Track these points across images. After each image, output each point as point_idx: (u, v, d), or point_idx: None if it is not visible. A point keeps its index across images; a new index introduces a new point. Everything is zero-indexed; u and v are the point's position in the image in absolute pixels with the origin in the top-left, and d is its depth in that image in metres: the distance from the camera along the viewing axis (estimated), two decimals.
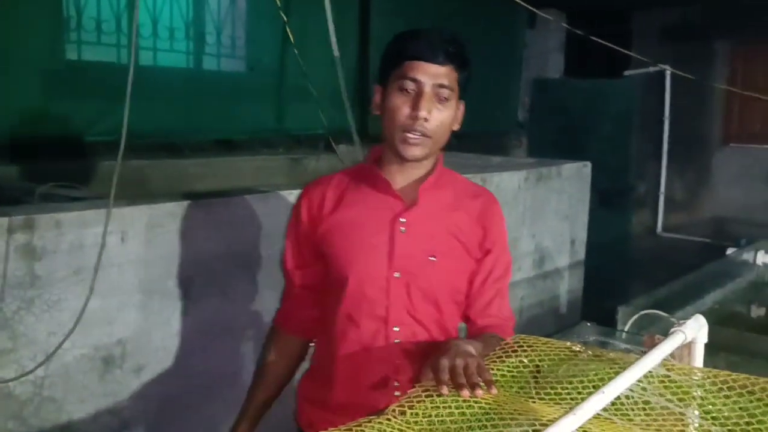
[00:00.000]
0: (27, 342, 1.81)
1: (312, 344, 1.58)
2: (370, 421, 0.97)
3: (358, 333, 1.41)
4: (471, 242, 1.44)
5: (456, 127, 1.44)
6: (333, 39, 3.23)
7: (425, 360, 1.30)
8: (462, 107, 1.45)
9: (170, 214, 2.12)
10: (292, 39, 3.80)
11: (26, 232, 1.78)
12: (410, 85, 1.35)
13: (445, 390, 1.03)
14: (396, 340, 1.40)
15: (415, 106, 1.34)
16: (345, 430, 0.94)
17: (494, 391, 1.04)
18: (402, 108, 1.35)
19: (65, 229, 1.86)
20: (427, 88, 1.34)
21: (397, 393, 1.37)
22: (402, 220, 1.40)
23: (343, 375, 1.44)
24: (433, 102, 1.35)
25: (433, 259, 1.40)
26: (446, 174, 1.49)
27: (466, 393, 1.02)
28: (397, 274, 1.39)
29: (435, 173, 1.45)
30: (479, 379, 1.05)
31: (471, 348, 1.19)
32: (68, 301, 1.87)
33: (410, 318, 1.40)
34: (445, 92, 1.36)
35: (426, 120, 1.34)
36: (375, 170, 1.45)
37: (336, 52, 3.21)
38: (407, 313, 1.40)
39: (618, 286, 5.14)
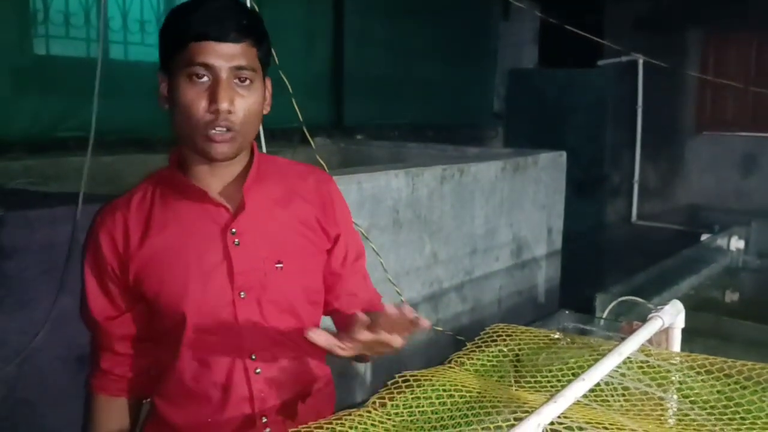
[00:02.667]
0: None
1: (146, 401, 1.34)
2: (350, 414, 0.96)
3: (211, 374, 1.20)
4: (315, 232, 1.26)
5: (266, 110, 1.22)
6: None
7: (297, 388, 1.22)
8: (269, 86, 1.23)
9: None
10: None
11: None
12: (202, 72, 1.11)
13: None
14: (257, 370, 1.21)
15: (212, 97, 1.11)
16: (325, 423, 0.93)
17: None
18: (197, 101, 1.11)
19: (35, 226, 1.82)
20: (224, 74, 1.11)
21: (267, 430, 1.22)
22: (233, 230, 1.18)
23: (200, 425, 1.22)
24: (233, 89, 1.12)
25: (279, 265, 1.20)
26: (266, 162, 1.27)
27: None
28: (243, 294, 1.18)
29: (254, 165, 1.23)
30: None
31: None
32: (40, 300, 1.83)
33: (267, 339, 1.21)
34: (245, 74, 1.13)
35: (230, 112, 1.12)
36: (181, 177, 1.20)
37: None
38: (263, 336, 1.20)
39: (594, 275, 5.19)
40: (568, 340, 1.25)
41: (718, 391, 1.05)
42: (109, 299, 1.25)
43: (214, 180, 1.21)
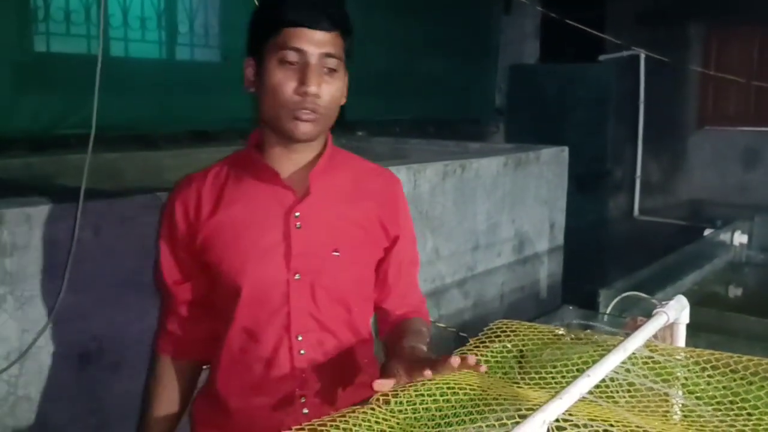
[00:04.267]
0: (0, 340, 1.77)
1: (206, 367, 1.39)
2: (353, 411, 0.95)
3: (257, 347, 1.24)
4: (375, 230, 1.30)
5: (343, 100, 1.26)
6: None
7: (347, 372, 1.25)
8: (347, 79, 1.27)
9: (144, 206, 2.08)
10: None
11: None
12: (293, 57, 1.17)
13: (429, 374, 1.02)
14: (301, 351, 1.24)
15: (302, 80, 1.16)
16: (329, 420, 0.92)
17: (483, 368, 1.02)
18: (287, 83, 1.17)
19: (36, 223, 1.81)
20: (314, 59, 1.17)
21: (305, 410, 1.24)
22: (296, 213, 1.23)
23: (242, 396, 1.27)
24: (321, 74, 1.18)
25: (336, 254, 1.24)
26: (339, 155, 1.32)
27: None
28: (297, 276, 1.22)
29: (325, 155, 1.28)
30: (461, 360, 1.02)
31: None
32: (41, 297, 1.82)
33: (315, 323, 1.24)
34: (332, 62, 1.19)
35: (317, 96, 1.17)
36: (257, 158, 1.26)
37: None
38: (312, 319, 1.24)
39: (596, 270, 5.18)
40: (572, 336, 1.24)
41: (723, 387, 1.04)
42: (178, 264, 1.31)
43: (288, 163, 1.26)
